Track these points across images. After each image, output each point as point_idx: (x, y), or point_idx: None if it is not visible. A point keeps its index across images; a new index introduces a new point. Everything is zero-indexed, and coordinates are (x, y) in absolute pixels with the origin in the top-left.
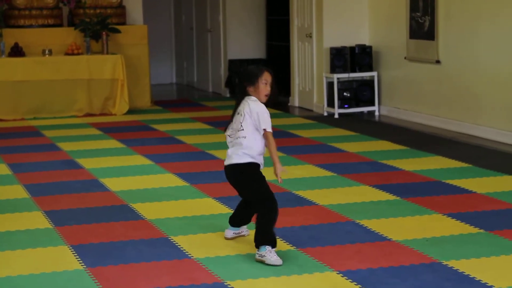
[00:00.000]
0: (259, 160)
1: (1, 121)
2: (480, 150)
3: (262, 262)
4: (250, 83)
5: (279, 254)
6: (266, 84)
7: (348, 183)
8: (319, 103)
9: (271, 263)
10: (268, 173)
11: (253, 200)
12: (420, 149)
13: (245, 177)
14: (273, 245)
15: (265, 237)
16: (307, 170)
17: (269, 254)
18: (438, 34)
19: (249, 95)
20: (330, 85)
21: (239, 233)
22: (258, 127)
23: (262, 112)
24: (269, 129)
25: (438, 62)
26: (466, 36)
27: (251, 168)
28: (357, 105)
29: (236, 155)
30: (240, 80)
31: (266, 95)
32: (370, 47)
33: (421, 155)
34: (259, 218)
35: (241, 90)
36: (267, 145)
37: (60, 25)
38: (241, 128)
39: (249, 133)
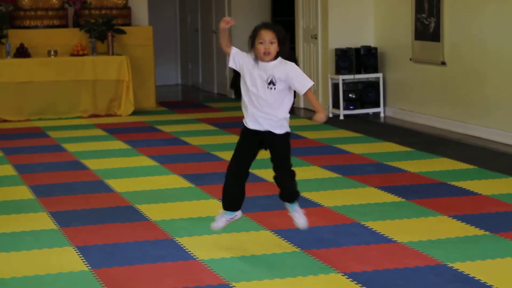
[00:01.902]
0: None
1: (6, 122)
2: (486, 152)
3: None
4: (250, 46)
5: (284, 255)
6: (262, 43)
7: (353, 184)
8: (324, 105)
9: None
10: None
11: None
12: (426, 150)
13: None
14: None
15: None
16: (312, 172)
17: (220, 216)
18: (444, 35)
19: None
20: (335, 86)
21: (233, 218)
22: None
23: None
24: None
25: (443, 63)
26: (472, 38)
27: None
28: (362, 107)
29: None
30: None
31: (264, 53)
32: (376, 49)
33: (427, 157)
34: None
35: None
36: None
37: (66, 26)
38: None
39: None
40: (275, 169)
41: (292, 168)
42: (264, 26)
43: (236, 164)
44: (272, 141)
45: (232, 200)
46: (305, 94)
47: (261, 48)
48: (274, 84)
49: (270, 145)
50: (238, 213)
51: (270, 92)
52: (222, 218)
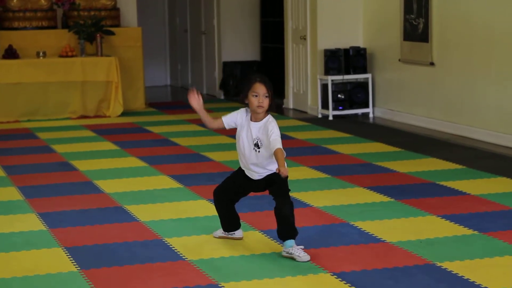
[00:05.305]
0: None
1: None
2: (474, 152)
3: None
4: (243, 95)
5: (273, 255)
6: (257, 96)
7: (342, 184)
8: (313, 105)
9: None
10: None
11: None
12: (414, 151)
13: None
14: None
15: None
16: (301, 172)
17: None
18: (432, 36)
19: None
20: (324, 87)
21: (228, 235)
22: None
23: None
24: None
25: (432, 64)
26: (460, 38)
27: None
28: (351, 107)
29: None
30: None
31: (258, 106)
32: (365, 49)
33: (415, 157)
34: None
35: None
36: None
37: (54, 27)
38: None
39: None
40: (275, 201)
41: (291, 200)
42: (259, 80)
43: (220, 190)
44: (266, 180)
45: (221, 219)
46: (274, 152)
47: (254, 101)
48: (259, 147)
49: (265, 184)
50: (237, 233)
51: (256, 154)
52: (220, 230)
